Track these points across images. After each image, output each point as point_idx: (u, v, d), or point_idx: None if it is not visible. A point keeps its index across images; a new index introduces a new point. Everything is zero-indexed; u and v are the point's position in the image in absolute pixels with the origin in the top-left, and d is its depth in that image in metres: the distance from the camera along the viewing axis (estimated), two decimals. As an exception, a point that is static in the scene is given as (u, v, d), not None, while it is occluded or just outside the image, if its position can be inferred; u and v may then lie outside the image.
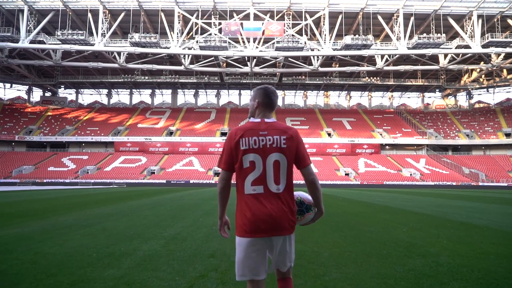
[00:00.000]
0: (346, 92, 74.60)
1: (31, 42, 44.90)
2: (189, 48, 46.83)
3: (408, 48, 45.54)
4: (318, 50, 46.44)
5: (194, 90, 73.79)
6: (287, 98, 75.81)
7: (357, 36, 45.55)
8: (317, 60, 49.76)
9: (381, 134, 60.06)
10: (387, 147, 59.56)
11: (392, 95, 74.91)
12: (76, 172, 51.03)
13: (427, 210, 10.05)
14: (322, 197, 2.06)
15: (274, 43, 46.04)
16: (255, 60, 50.57)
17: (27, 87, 69.23)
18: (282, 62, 52.69)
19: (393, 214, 9.03)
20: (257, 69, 52.49)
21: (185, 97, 75.43)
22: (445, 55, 49.89)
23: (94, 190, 25.84)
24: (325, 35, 45.35)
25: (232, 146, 1.95)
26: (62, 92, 74.03)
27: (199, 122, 63.60)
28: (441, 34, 44.84)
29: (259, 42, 47.01)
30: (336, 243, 4.83)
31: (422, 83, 66.63)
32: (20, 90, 70.30)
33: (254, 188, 1.92)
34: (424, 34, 45.12)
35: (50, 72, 63.85)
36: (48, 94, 72.21)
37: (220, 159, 2.03)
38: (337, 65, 58.11)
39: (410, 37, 45.93)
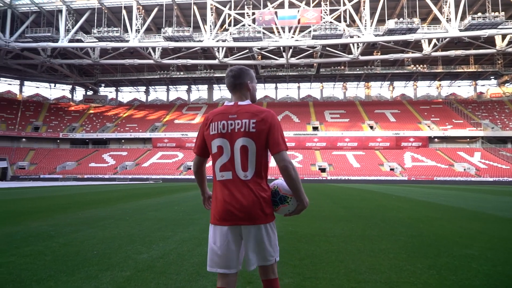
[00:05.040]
0: (388, 82, 69.99)
1: (70, 41, 45.55)
2: (223, 41, 45.38)
3: (460, 30, 41.03)
4: (358, 37, 43.15)
5: (230, 85, 72.56)
6: (326, 90, 72.58)
7: (401, 19, 41.78)
8: (357, 48, 46.45)
9: (429, 126, 55.45)
10: (436, 140, 54.86)
11: (440, 84, 69.19)
12: (116, 168, 51.58)
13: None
14: (301, 187, 1.84)
15: (310, 31, 43.43)
16: (291, 50, 48.24)
17: (71, 86, 71.57)
18: (319, 52, 49.88)
19: (482, 222, 6.55)
20: (293, 60, 50.05)
21: (221, 92, 74.51)
22: (503, 37, 44.62)
23: (122, 186, 24.95)
24: (365, 21, 42.04)
25: (203, 131, 1.92)
26: (103, 91, 75.89)
27: (235, 117, 62.25)
28: (498, 13, 39.97)
29: (294, 31, 44.59)
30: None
31: (475, 70, 60.63)
32: (64, 89, 72.90)
33: (222, 175, 1.85)
34: (479, 14, 40.42)
35: (90, 71, 65.33)
36: (90, 93, 74.25)
37: (195, 143, 1.99)
38: (379, 53, 54.20)
39: (462, 18, 41.38)
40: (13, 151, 54.40)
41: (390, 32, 42.03)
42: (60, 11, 44.89)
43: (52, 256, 3.56)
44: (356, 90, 72.29)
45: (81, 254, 3.64)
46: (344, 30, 43.00)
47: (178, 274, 2.98)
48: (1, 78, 64.21)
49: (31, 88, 72.27)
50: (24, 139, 57.78)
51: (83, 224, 5.70)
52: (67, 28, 45.07)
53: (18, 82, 66.69)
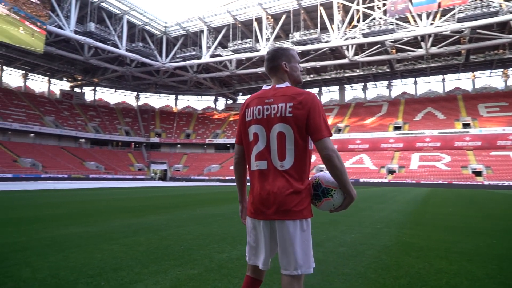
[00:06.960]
0: None
1: (211, 56, 51.10)
2: (352, 38, 43.64)
3: None
4: (523, 10, 35.41)
5: (362, 84, 69.37)
6: (478, 80, 62.33)
7: None
8: (521, 24, 38.20)
9: None
10: None
11: None
12: (251, 171, 55.22)
13: None
14: (347, 177, 1.65)
15: (454, 14, 37.80)
16: (430, 39, 42.95)
17: (214, 97, 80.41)
18: (468, 36, 42.93)
19: None
20: (434, 50, 44.46)
21: (353, 92, 71.90)
22: None
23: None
24: (532, -11, 34.21)
25: (240, 118, 1.83)
26: (240, 99, 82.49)
27: (369, 117, 59.14)
28: None
29: (434, 17, 39.56)
30: None
31: None
32: (209, 100, 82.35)
33: (257, 164, 1.74)
34: None
35: (229, 81, 71.95)
36: (229, 102, 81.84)
37: (236, 133, 1.88)
38: (557, 27, 43.28)
39: None
40: (171, 156, 64.09)
41: None
42: (202, 31, 50.83)
43: (146, 247, 3.83)
44: (521, 77, 59.56)
45: (170, 248, 3.81)
46: (500, 6, 35.97)
47: (242, 278, 2.77)
48: (161, 95, 76.86)
49: (183, 101, 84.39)
50: (179, 145, 67.44)
51: (191, 220, 6.09)
52: (208, 45, 50.70)
53: (173, 97, 78.70)
